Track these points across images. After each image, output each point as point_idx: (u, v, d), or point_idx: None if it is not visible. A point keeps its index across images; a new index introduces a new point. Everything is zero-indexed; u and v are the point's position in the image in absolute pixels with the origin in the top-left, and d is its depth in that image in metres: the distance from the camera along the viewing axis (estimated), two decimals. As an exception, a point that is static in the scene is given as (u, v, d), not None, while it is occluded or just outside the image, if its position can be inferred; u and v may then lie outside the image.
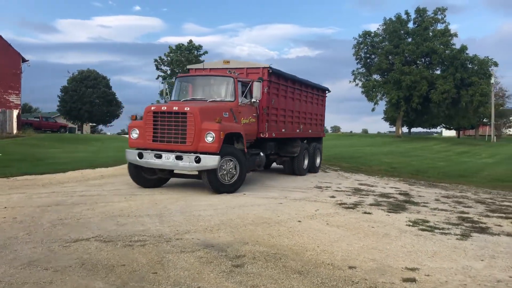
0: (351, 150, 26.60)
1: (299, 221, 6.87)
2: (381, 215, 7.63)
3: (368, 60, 48.88)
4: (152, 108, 9.64)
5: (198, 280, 4.19)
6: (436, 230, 6.46)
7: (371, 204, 8.69)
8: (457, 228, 6.71)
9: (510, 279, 4.44)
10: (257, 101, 10.97)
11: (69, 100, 59.90)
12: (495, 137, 56.05)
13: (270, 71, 11.80)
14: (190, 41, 71.82)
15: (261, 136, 11.63)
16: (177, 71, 70.12)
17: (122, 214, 7.07)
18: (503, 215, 7.91)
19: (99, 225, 6.29)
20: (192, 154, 9.18)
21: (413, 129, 71.47)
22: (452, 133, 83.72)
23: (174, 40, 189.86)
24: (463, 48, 42.53)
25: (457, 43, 45.45)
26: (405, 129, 62.00)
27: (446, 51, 42.75)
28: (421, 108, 44.77)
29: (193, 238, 5.69)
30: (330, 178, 13.32)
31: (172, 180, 10.99)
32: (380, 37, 47.48)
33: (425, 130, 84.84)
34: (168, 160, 9.34)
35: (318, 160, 15.49)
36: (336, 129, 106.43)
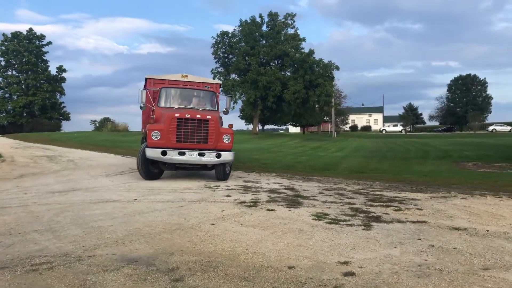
0: (219, 148, 26.88)
1: (213, 224, 6.61)
2: (284, 211, 7.82)
3: (226, 60, 50.22)
4: (176, 115, 11.61)
5: (143, 302, 3.67)
6: (341, 223, 6.87)
7: (268, 201, 8.85)
8: (355, 218, 7.24)
9: (426, 262, 4.93)
10: (228, 111, 14.08)
11: None
12: (335, 133, 63.20)
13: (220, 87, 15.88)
14: (30, 29, 64.28)
15: None
16: (14, 62, 62.06)
17: (1, 233, 5.85)
18: (383, 203, 8.81)
19: (-23, 249, 5.09)
20: (212, 151, 11.71)
21: (265, 126, 76.04)
22: (297, 129, 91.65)
23: (5, 27, 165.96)
24: (311, 52, 46.76)
25: (305, 47, 49.79)
26: (259, 126, 65.46)
27: (297, 54, 46.46)
28: (275, 107, 47.86)
29: (108, 254, 5.00)
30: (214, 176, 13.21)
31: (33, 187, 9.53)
32: (237, 38, 49.18)
33: (273, 127, 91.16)
34: (191, 156, 11.52)
35: None
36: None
